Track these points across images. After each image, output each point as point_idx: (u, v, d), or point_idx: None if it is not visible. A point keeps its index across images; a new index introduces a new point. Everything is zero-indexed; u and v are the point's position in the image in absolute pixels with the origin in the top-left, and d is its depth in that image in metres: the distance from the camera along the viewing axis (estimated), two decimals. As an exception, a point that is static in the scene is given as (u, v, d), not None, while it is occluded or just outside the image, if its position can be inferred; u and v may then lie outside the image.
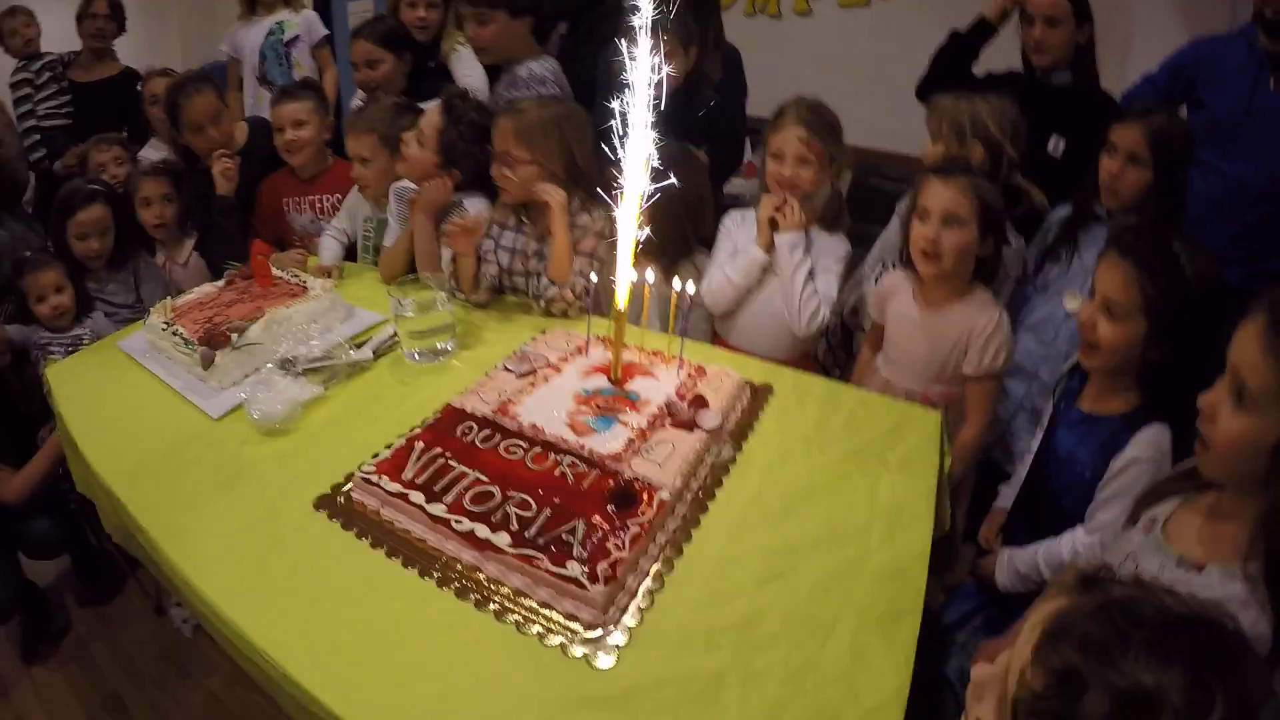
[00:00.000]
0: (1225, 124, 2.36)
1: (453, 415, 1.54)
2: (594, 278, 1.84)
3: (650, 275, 1.69)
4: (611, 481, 1.37)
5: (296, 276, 2.13)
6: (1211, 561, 1.05)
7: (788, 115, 2.00)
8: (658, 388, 1.62)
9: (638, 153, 1.42)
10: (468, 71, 2.87)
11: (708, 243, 2.16)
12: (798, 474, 1.48)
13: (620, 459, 1.40)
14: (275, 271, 2.13)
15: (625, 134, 1.37)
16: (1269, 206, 2.37)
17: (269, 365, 1.78)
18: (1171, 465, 1.35)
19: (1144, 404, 1.44)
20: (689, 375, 1.69)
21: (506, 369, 1.67)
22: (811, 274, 2.01)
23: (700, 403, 1.55)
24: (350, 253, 2.52)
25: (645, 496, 1.33)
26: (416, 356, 1.81)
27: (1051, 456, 1.59)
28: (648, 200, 1.42)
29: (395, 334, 1.86)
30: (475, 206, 2.14)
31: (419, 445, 1.45)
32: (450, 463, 1.40)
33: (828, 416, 1.66)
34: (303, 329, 1.91)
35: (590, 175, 1.98)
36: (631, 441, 1.45)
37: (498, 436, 1.47)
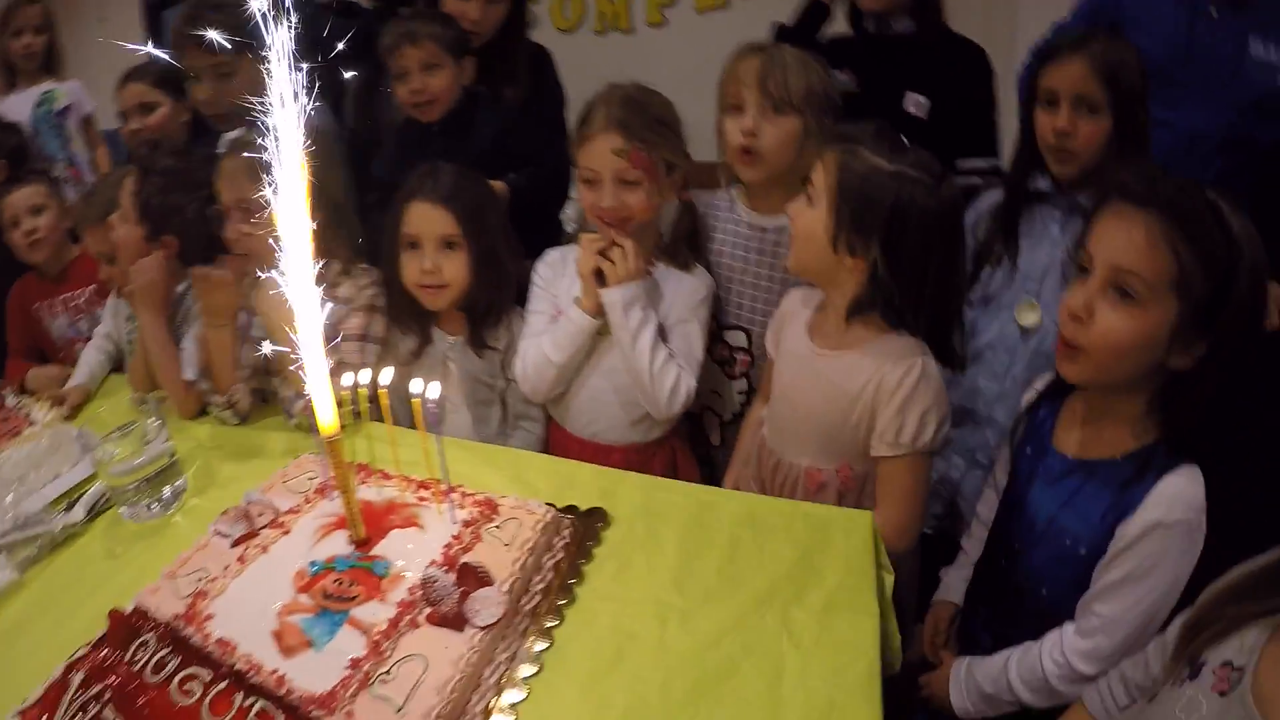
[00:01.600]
0: (1164, 66, 1.95)
1: (123, 626, 1.07)
2: (364, 375, 1.22)
3: (385, 375, 1.10)
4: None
5: (23, 407, 1.78)
6: None
7: (594, 120, 1.45)
8: (421, 546, 1.08)
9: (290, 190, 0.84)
10: None
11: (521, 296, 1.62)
12: (646, 680, 0.91)
13: (332, 702, 0.88)
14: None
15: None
16: (1227, 158, 2.01)
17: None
18: (1204, 526, 1.03)
19: (1162, 438, 1.07)
20: (469, 518, 1.10)
21: (218, 533, 1.20)
22: (663, 333, 1.48)
23: (472, 578, 0.94)
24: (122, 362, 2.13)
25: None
26: (133, 513, 1.39)
27: (1022, 525, 1.21)
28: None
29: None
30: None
31: (77, 678, 1.02)
32: (105, 713, 0.97)
33: (696, 553, 1.08)
34: (11, 480, 1.49)
35: (351, 226, 1.62)
36: (357, 666, 0.91)
37: (175, 662, 1.00)
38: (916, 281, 1.20)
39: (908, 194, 1.15)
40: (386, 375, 1.10)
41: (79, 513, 1.39)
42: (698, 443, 1.73)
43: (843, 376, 1.27)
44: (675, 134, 1.48)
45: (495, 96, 1.99)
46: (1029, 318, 1.51)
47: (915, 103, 1.95)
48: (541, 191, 1.96)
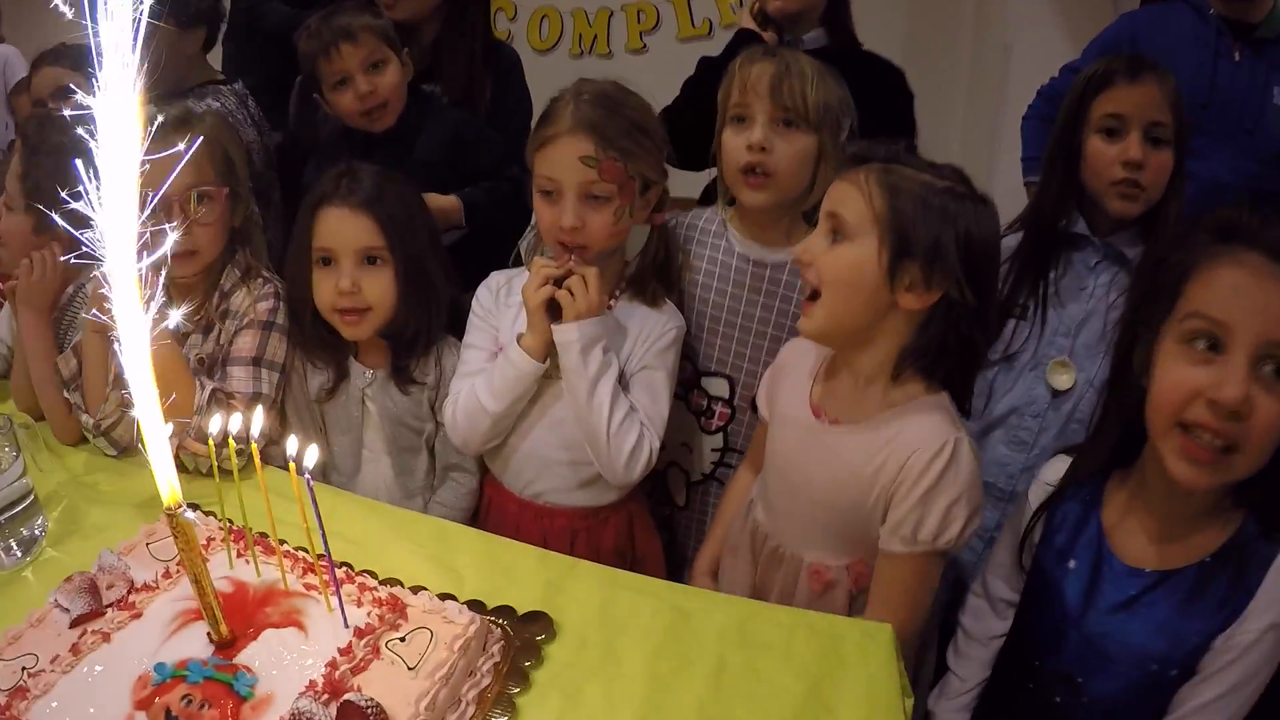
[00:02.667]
0: (1187, 110, 1.89)
1: None
2: (257, 416, 0.95)
3: (229, 422, 0.85)
4: None
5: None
6: None
7: (560, 118, 1.22)
8: (300, 657, 0.83)
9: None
10: None
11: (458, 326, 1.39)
12: None
13: None
14: None
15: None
16: None
17: None
18: None
19: (1249, 522, 0.95)
20: (367, 623, 0.84)
21: (58, 605, 1.00)
22: (623, 381, 1.24)
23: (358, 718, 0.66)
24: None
25: None
26: None
27: (1084, 653, 1.01)
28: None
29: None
30: None
31: None
32: None
33: (669, 683, 0.83)
34: None
35: (251, 223, 1.44)
36: None
37: None
38: (985, 317, 1.04)
39: (971, 214, 0.99)
40: (257, 422, 0.83)
41: (-77, 560, 1.18)
42: (658, 501, 1.50)
43: (859, 454, 1.05)
44: (655, 144, 1.26)
45: (449, 99, 1.78)
46: (1061, 379, 1.35)
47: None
48: (500, 210, 1.73)
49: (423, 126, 1.69)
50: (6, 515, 1.18)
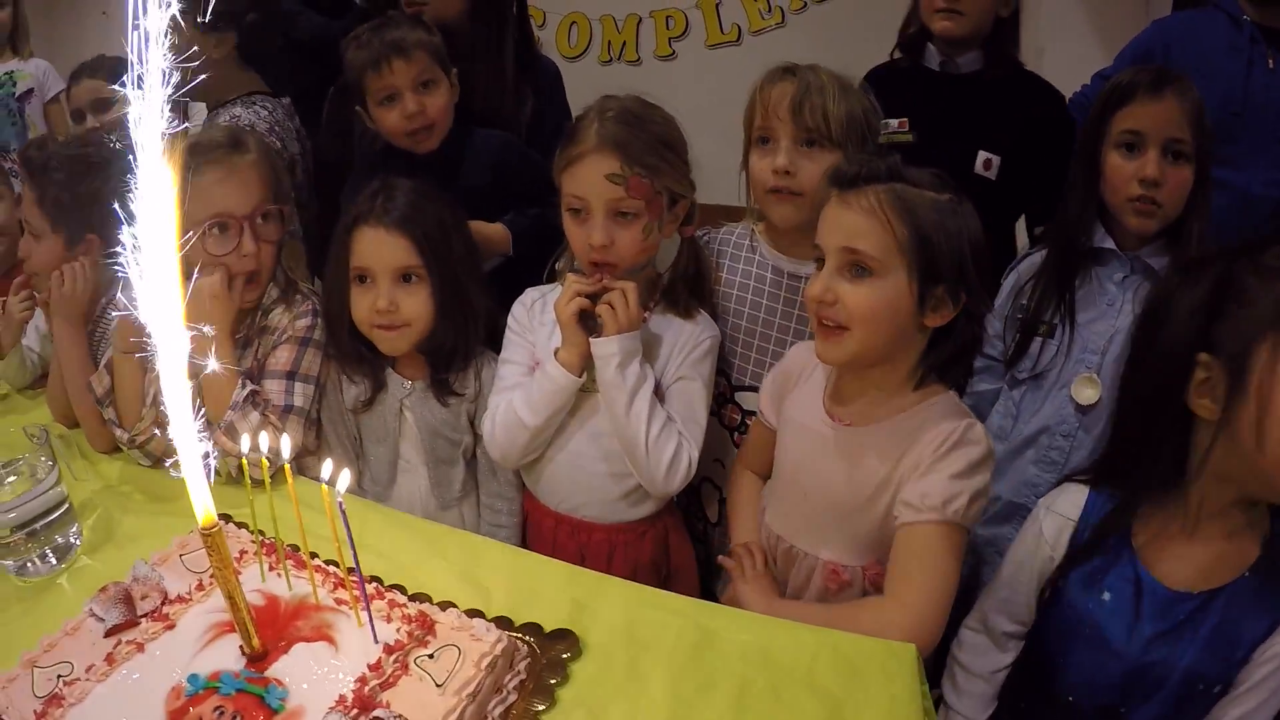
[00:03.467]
0: (1218, 121, 1.83)
1: None
2: (285, 438, 0.97)
3: (260, 439, 0.88)
4: None
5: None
6: None
7: (585, 137, 1.22)
8: (331, 671, 0.85)
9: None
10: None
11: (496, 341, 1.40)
12: None
13: None
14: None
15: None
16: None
17: None
18: None
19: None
20: (396, 640, 0.84)
21: (93, 614, 1.01)
22: (660, 394, 1.24)
23: None
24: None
25: None
26: (15, 567, 1.22)
27: (1128, 682, 1.00)
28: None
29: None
30: None
31: None
32: None
33: (692, 702, 0.83)
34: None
35: (295, 250, 1.54)
36: None
37: None
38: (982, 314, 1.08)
39: (970, 222, 1.02)
40: (286, 445, 0.85)
41: (-41, 564, 1.20)
42: (692, 517, 1.50)
43: (873, 454, 1.06)
44: (680, 158, 1.27)
45: (480, 108, 1.73)
46: (1087, 393, 1.33)
47: (985, 161, 1.72)
48: (547, 240, 1.63)
49: (465, 152, 1.65)
50: (42, 523, 1.20)
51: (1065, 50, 2.82)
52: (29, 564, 1.20)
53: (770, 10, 3.36)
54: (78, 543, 1.24)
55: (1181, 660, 0.97)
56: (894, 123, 1.67)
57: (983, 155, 1.71)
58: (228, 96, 1.89)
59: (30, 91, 3.13)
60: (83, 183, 1.52)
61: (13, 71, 3.11)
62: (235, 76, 1.93)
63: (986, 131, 1.72)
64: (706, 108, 2.74)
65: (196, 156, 1.31)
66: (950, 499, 1.00)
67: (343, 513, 0.75)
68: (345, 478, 0.77)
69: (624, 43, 3.65)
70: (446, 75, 1.59)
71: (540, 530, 1.33)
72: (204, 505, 0.72)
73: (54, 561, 1.21)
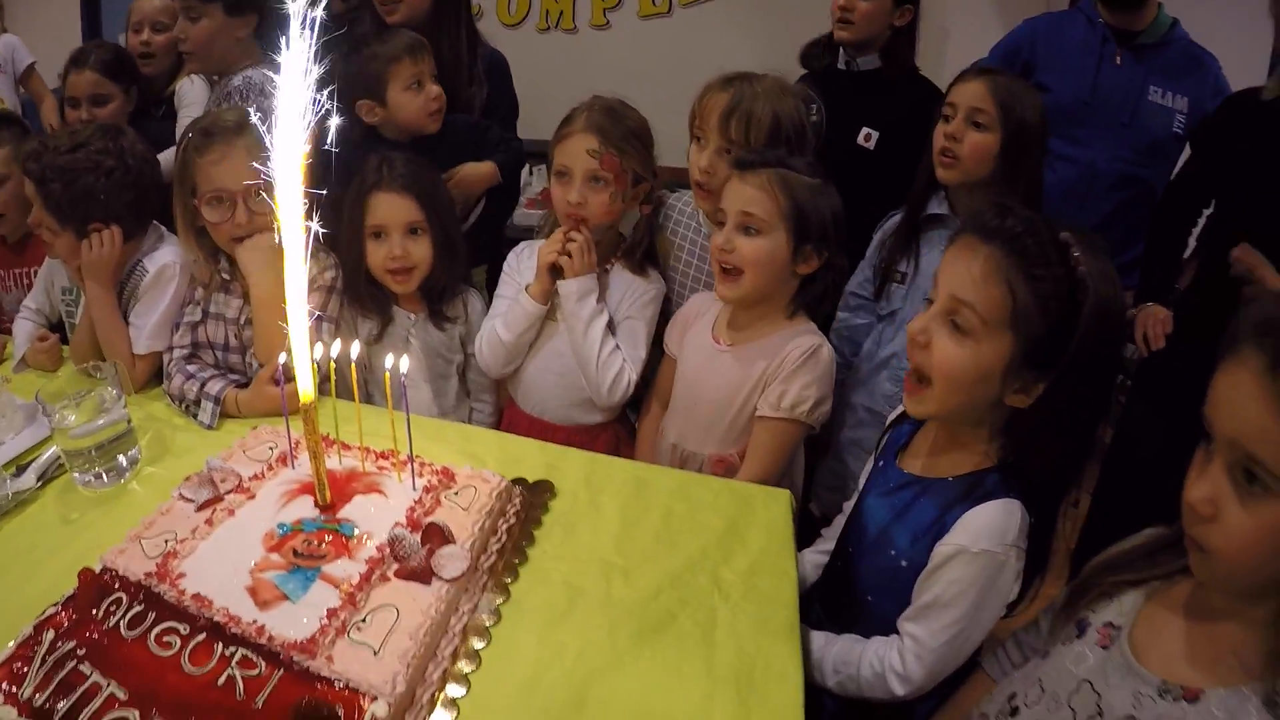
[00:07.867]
0: (1070, 106, 2.16)
1: (94, 583, 1.05)
2: (317, 352, 1.28)
3: (355, 350, 1.18)
4: (301, 697, 0.87)
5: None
6: (1209, 684, 0.76)
7: (575, 121, 1.54)
8: (385, 510, 1.14)
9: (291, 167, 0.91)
10: (192, 100, 2.44)
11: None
12: (595, 627, 1.02)
13: (314, 648, 0.92)
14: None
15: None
16: (1124, 192, 2.19)
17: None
18: (1018, 569, 1.01)
19: (1000, 463, 1.03)
20: (429, 484, 1.17)
21: (183, 498, 1.19)
22: (612, 327, 1.57)
23: (437, 536, 1.03)
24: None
25: (349, 715, 0.85)
26: (87, 480, 1.36)
27: (857, 532, 1.18)
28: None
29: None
30: (165, 256, 1.67)
31: (49, 635, 0.98)
32: (81, 668, 0.94)
33: (635, 521, 1.19)
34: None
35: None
36: (334, 615, 0.96)
37: (151, 616, 1.00)
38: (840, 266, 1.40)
39: (835, 199, 1.33)
40: (355, 349, 1.18)
41: (30, 478, 1.35)
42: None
43: (746, 365, 1.41)
44: (646, 149, 1.58)
45: (453, 101, 2.01)
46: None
47: (865, 135, 2.10)
48: (519, 166, 2.02)
49: (441, 135, 1.94)
50: (113, 441, 1.35)
51: (970, 29, 3.07)
52: (103, 474, 1.35)
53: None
54: (140, 456, 1.39)
55: (882, 520, 1.13)
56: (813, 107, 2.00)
57: (864, 130, 2.08)
58: (235, 69, 2.17)
59: (-3, 65, 3.13)
60: (77, 185, 1.60)
61: None
62: (250, 50, 2.21)
63: (871, 113, 2.06)
64: (638, 74, 3.01)
65: (209, 138, 1.48)
66: (797, 403, 1.36)
67: (405, 394, 1.09)
68: (405, 361, 1.11)
69: (560, 12, 3.74)
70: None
71: (516, 429, 1.61)
72: (306, 384, 1.05)
73: (122, 473, 1.37)
